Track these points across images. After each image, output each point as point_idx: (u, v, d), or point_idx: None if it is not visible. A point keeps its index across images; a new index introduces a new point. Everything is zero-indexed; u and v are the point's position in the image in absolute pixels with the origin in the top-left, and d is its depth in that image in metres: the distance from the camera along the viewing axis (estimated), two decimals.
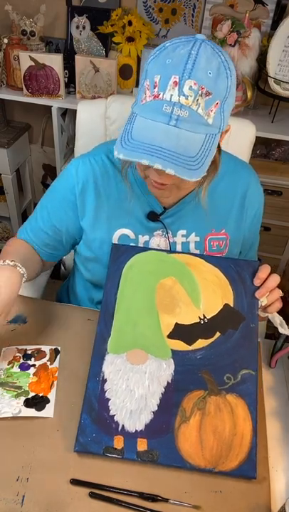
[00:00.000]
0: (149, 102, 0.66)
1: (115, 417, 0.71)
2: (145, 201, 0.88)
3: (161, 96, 0.64)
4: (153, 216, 0.88)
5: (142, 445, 0.69)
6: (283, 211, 1.80)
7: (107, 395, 0.72)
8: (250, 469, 0.68)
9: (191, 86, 0.63)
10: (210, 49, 0.66)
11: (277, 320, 0.82)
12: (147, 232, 0.89)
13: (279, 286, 0.81)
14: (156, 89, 0.65)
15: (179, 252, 0.87)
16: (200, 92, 0.64)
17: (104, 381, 0.73)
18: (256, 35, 1.54)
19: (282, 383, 0.85)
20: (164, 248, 0.90)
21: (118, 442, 0.69)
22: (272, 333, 0.89)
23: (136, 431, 0.70)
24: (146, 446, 0.69)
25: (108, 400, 0.72)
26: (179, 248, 0.91)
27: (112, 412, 0.71)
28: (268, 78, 1.57)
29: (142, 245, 0.90)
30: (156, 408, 0.71)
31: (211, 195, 0.84)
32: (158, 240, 0.90)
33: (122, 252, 0.82)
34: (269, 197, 1.76)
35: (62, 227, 0.93)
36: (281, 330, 0.82)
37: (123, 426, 0.70)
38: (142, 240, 0.89)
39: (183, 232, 0.90)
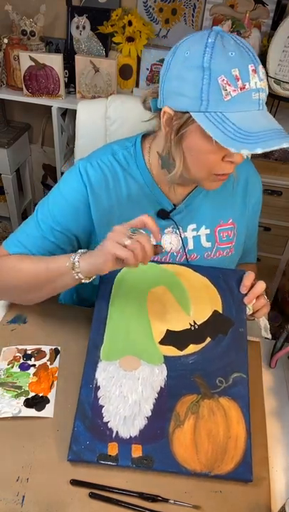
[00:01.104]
0: (236, 96, 0.66)
1: (109, 424, 0.70)
2: (154, 200, 0.87)
3: (247, 86, 0.66)
4: (164, 214, 0.88)
5: (136, 451, 0.68)
6: (283, 211, 1.80)
7: (101, 402, 0.72)
8: (246, 472, 0.67)
9: (262, 70, 0.68)
10: (237, 36, 0.70)
11: (262, 324, 0.86)
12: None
13: (279, 286, 0.82)
14: (239, 82, 0.65)
15: (167, 263, 0.88)
16: (265, 72, 0.69)
17: (98, 388, 0.73)
18: (256, 35, 1.54)
19: (282, 383, 0.85)
20: (175, 245, 0.90)
21: (112, 449, 0.68)
22: (272, 333, 0.89)
23: (130, 437, 0.69)
24: (141, 452, 0.68)
25: (102, 406, 0.71)
26: (190, 243, 0.91)
27: (105, 419, 0.70)
28: (268, 78, 1.57)
29: (154, 244, 0.89)
30: (150, 413, 0.71)
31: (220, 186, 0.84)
32: (170, 238, 0.90)
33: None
34: (269, 197, 1.76)
35: (72, 235, 0.87)
36: (264, 333, 0.86)
37: (117, 432, 0.69)
38: (154, 239, 0.89)
39: (193, 226, 0.91)
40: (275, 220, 1.82)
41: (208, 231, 0.92)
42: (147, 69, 1.78)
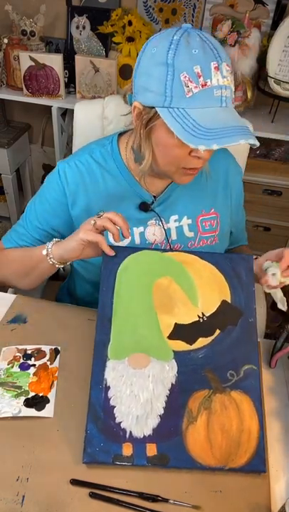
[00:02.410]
0: (197, 93, 0.67)
1: (122, 424, 0.69)
2: (134, 193, 0.89)
3: (209, 83, 0.67)
4: (145, 206, 0.89)
5: (151, 450, 0.68)
6: (283, 211, 1.80)
7: (112, 403, 0.71)
8: (259, 464, 0.68)
9: (226, 68, 0.69)
10: (205, 33, 0.71)
11: (278, 295, 0.83)
12: (141, 223, 0.91)
13: None
14: (201, 79, 0.67)
15: (172, 251, 0.86)
16: (230, 70, 0.70)
17: (108, 388, 0.72)
18: (256, 35, 1.54)
19: (282, 383, 0.85)
20: (159, 236, 0.91)
21: (127, 449, 0.68)
22: (272, 333, 0.89)
23: (144, 436, 0.69)
24: (156, 450, 0.68)
25: (113, 407, 0.70)
26: (173, 233, 0.92)
27: (118, 420, 0.70)
28: (268, 78, 1.57)
29: (137, 237, 0.91)
30: (163, 411, 0.70)
31: (197, 177, 0.85)
32: (153, 229, 0.91)
33: (115, 254, 0.81)
34: (269, 197, 1.76)
35: (55, 232, 0.93)
36: (280, 305, 0.83)
37: (131, 432, 0.69)
38: (137, 231, 0.91)
39: (175, 217, 0.92)
40: (275, 220, 1.83)
41: (190, 221, 0.93)
42: None
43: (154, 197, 0.90)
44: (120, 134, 0.92)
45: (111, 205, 0.88)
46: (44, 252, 0.84)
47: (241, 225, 1.10)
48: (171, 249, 0.90)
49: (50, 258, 0.84)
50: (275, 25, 1.61)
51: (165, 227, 0.91)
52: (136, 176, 0.89)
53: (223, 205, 0.96)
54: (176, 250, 0.88)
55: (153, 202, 0.90)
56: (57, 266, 0.85)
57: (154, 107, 0.71)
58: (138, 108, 0.74)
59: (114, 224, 0.76)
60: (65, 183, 0.89)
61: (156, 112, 0.71)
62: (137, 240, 0.91)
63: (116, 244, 0.80)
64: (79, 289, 1.07)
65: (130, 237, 0.90)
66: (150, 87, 0.70)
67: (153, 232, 0.91)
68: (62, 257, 0.83)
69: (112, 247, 0.80)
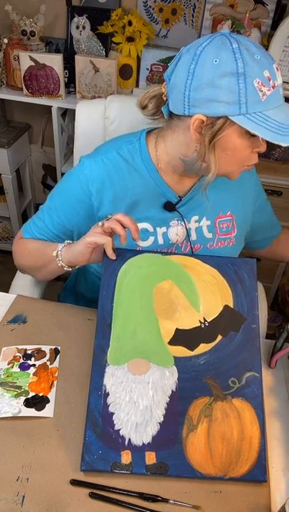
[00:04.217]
0: (270, 95, 0.71)
1: (121, 432, 0.69)
2: (159, 192, 0.88)
3: (276, 84, 0.72)
4: (170, 206, 0.89)
5: (150, 458, 0.67)
6: (283, 211, 1.80)
7: (111, 409, 0.70)
8: (260, 473, 0.67)
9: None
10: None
11: None
12: (164, 223, 0.90)
13: (279, 286, 0.82)
14: (271, 82, 0.71)
15: (173, 254, 0.84)
16: None
17: (107, 395, 0.71)
18: (256, 35, 1.54)
19: (282, 383, 0.85)
20: (181, 236, 0.91)
21: (126, 457, 0.67)
22: (272, 333, 0.89)
23: (143, 444, 0.68)
24: (155, 459, 0.67)
25: (112, 414, 0.70)
26: (193, 234, 0.92)
27: (117, 427, 0.69)
28: None
29: (160, 237, 0.90)
30: (163, 419, 0.69)
31: (217, 179, 0.84)
32: (175, 229, 0.91)
33: (116, 258, 0.80)
34: (269, 197, 1.75)
35: (73, 228, 0.92)
36: None
37: (130, 440, 0.68)
38: (160, 231, 0.90)
39: (196, 217, 0.92)
40: None
41: (208, 222, 0.93)
42: (147, 69, 1.78)
43: (179, 197, 0.90)
44: (148, 132, 0.91)
45: (136, 203, 0.88)
46: (54, 254, 0.85)
47: (268, 216, 1.12)
48: (173, 253, 0.89)
49: (59, 260, 0.84)
50: (275, 25, 1.61)
51: (187, 227, 0.91)
52: (163, 175, 0.88)
53: (239, 206, 0.97)
54: (177, 254, 0.87)
55: (178, 202, 0.89)
56: (65, 269, 0.86)
57: (223, 117, 0.72)
58: (200, 120, 0.73)
59: (124, 226, 0.76)
60: (90, 181, 0.87)
61: (225, 121, 0.72)
62: (160, 241, 0.91)
63: (122, 246, 0.79)
64: (84, 286, 1.07)
65: (154, 238, 0.90)
66: (219, 98, 0.70)
67: (176, 232, 0.91)
68: (70, 261, 0.84)
69: (115, 250, 0.79)
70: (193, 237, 0.93)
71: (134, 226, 0.76)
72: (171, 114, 0.80)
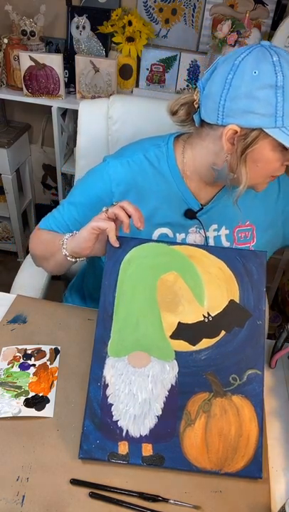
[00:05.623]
0: None
1: (119, 423, 0.69)
2: (182, 199, 0.88)
3: None
4: (191, 214, 0.88)
5: (147, 450, 0.68)
6: None
7: (110, 400, 0.70)
8: (256, 470, 0.68)
9: None
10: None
11: None
12: (183, 229, 0.90)
13: (279, 286, 0.82)
14: None
15: (179, 244, 0.80)
16: None
17: (106, 386, 0.71)
18: (256, 35, 1.54)
19: (282, 383, 0.85)
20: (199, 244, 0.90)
21: (123, 448, 0.68)
22: (272, 333, 0.89)
23: (140, 436, 0.69)
24: (152, 450, 0.68)
25: (111, 405, 0.70)
26: (211, 242, 0.92)
27: (115, 418, 0.69)
28: None
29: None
30: (161, 412, 0.70)
31: (232, 189, 0.84)
32: (194, 237, 0.91)
33: (119, 246, 0.77)
34: None
35: None
36: None
37: (127, 431, 0.69)
38: (179, 237, 0.90)
39: (215, 226, 0.92)
40: None
41: (227, 231, 0.93)
42: (147, 69, 1.78)
43: (201, 205, 0.89)
44: (176, 137, 0.90)
45: (158, 208, 0.88)
46: (60, 242, 0.84)
47: None
48: (179, 242, 0.88)
49: (64, 249, 0.84)
50: (275, 25, 1.61)
51: (205, 235, 0.91)
52: (188, 182, 0.88)
53: (261, 215, 0.95)
54: (183, 244, 0.82)
55: (199, 210, 0.89)
56: (68, 259, 0.84)
57: (257, 129, 0.71)
58: (234, 131, 0.73)
59: (128, 215, 0.75)
60: (115, 183, 0.86)
61: (259, 133, 0.71)
62: None
63: (125, 235, 0.76)
64: (92, 283, 1.06)
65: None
66: (255, 110, 0.70)
67: (194, 239, 0.91)
68: (74, 250, 0.83)
69: (118, 238, 0.77)
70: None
71: (138, 214, 0.75)
72: (202, 122, 0.80)
